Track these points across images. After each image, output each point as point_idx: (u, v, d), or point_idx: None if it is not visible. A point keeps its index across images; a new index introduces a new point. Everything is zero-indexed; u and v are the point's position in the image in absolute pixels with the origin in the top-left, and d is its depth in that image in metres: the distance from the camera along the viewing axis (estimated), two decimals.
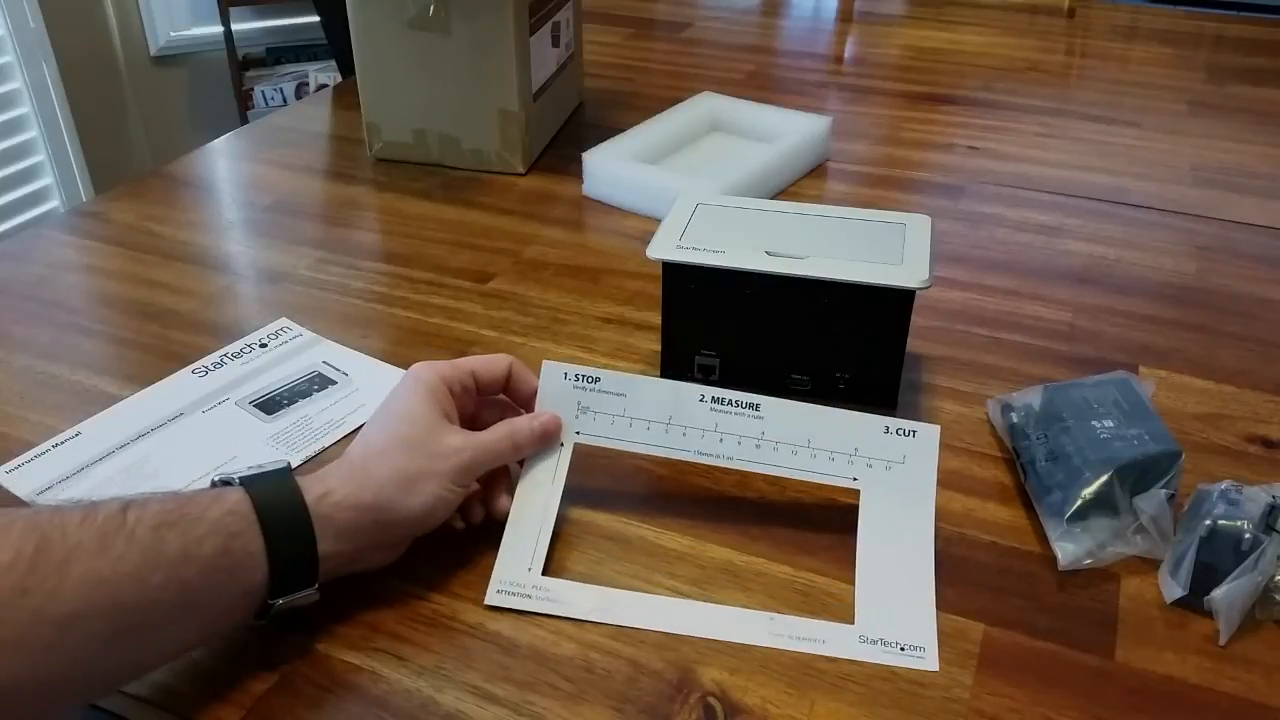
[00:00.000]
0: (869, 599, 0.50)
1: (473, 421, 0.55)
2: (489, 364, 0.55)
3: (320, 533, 0.45)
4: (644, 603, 0.51)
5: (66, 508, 0.41)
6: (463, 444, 0.50)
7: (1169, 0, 1.67)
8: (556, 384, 0.55)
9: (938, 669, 0.47)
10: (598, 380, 0.55)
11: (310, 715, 0.45)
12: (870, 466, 0.53)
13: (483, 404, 0.56)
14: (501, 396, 0.56)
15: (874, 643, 0.48)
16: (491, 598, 0.50)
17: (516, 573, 0.51)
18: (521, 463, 0.55)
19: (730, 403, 0.54)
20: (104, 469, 0.59)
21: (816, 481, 0.53)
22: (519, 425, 0.53)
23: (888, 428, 0.53)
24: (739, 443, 0.54)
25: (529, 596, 0.50)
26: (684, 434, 0.54)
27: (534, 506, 0.53)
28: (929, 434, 0.53)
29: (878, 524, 0.52)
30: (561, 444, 0.55)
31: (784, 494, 0.58)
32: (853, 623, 0.49)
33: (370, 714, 0.45)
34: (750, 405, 0.54)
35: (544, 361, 0.55)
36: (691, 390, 0.54)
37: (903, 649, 0.48)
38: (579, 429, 0.55)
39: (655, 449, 0.55)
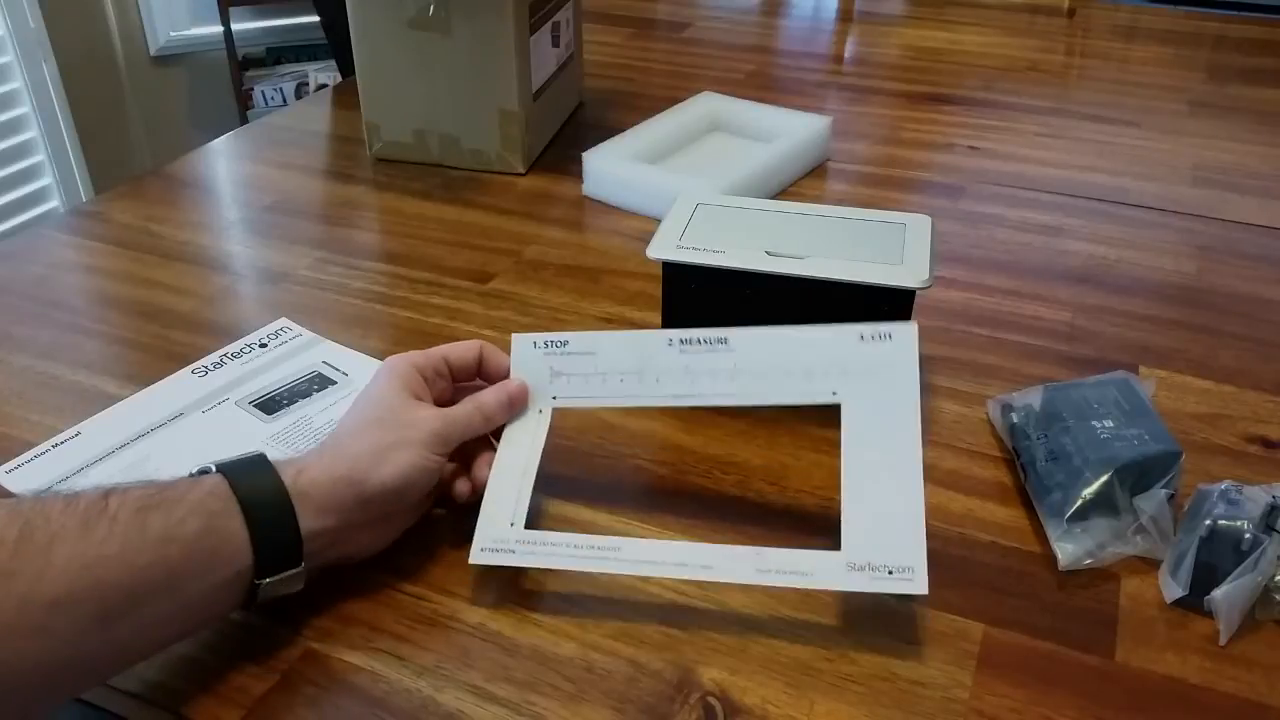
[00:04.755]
0: (856, 521, 0.48)
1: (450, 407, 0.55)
2: (461, 350, 0.56)
3: (300, 509, 0.46)
4: (632, 546, 0.50)
5: (48, 497, 0.42)
6: (432, 414, 0.51)
7: (1169, 0, 1.67)
8: (528, 354, 0.56)
9: (927, 592, 0.46)
10: (566, 343, 0.55)
11: (310, 715, 0.45)
12: (848, 375, 0.51)
13: (459, 390, 0.56)
14: (478, 381, 0.57)
15: (862, 569, 0.47)
16: (475, 556, 0.50)
17: (499, 529, 0.51)
18: (499, 435, 0.55)
19: (698, 341, 0.53)
20: (104, 469, 0.59)
21: (795, 403, 0.52)
22: (485, 395, 0.54)
23: (863, 335, 0.52)
24: (712, 378, 0.53)
25: (513, 551, 0.50)
26: (657, 380, 0.54)
27: (513, 469, 0.53)
28: (906, 332, 0.51)
29: (861, 436, 0.50)
30: (540, 410, 0.55)
31: (784, 494, 0.58)
32: (839, 549, 0.48)
33: (370, 714, 0.45)
34: (719, 340, 0.53)
35: (514, 335, 0.56)
36: (659, 336, 0.54)
37: (891, 572, 0.46)
38: (555, 393, 0.55)
39: (631, 400, 0.54)
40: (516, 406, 0.55)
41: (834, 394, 0.52)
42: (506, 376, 0.56)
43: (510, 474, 0.53)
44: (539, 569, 0.52)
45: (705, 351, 0.53)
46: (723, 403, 0.53)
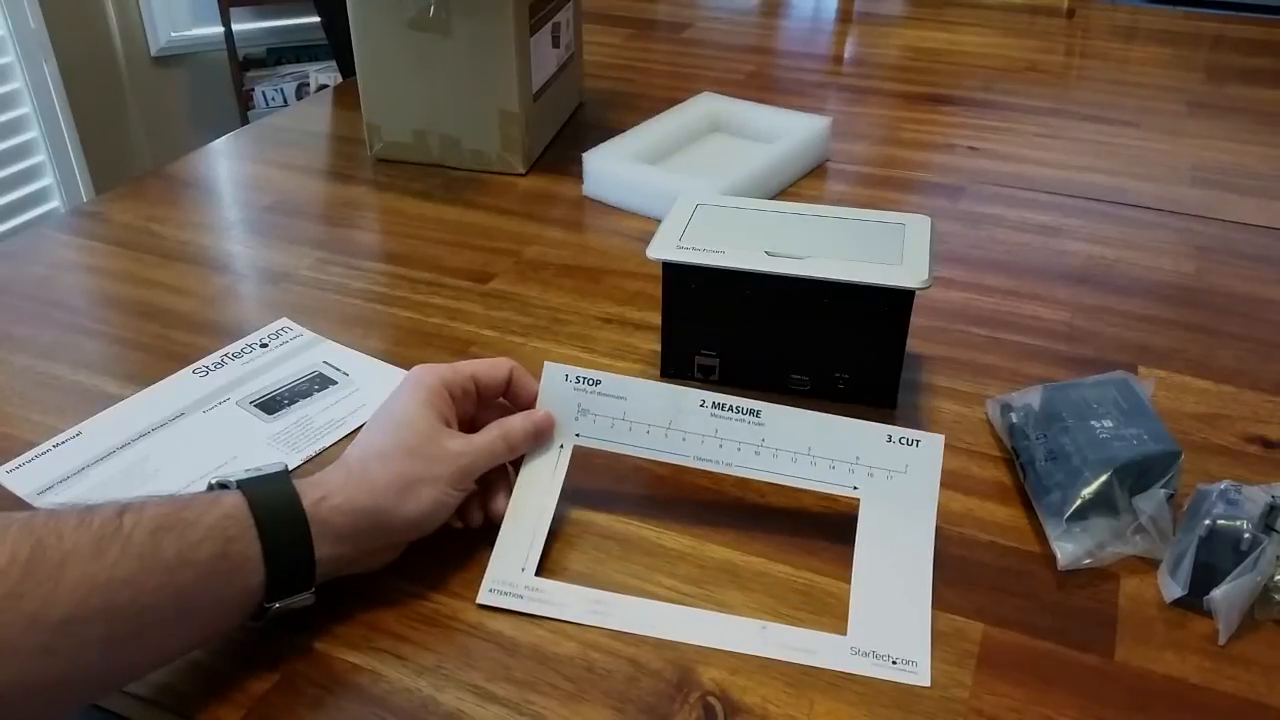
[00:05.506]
0: (863, 609, 0.50)
1: (472, 424, 0.55)
2: (490, 368, 0.54)
3: (317, 537, 0.45)
4: (636, 606, 0.50)
5: (62, 512, 0.41)
6: (461, 449, 0.50)
7: (1169, 0, 1.67)
8: (557, 385, 0.55)
9: (929, 684, 0.46)
10: (598, 383, 0.55)
11: (311, 715, 0.45)
12: (871, 475, 0.52)
13: (482, 407, 0.56)
14: (501, 400, 0.56)
15: (866, 655, 0.48)
16: (484, 597, 0.50)
17: (509, 572, 0.51)
18: (520, 464, 0.55)
19: (731, 409, 0.54)
20: (104, 469, 0.59)
21: (817, 489, 0.53)
22: (512, 424, 0.53)
23: (890, 436, 0.52)
24: (739, 449, 0.54)
25: (520, 597, 0.50)
26: (684, 439, 0.54)
27: (530, 507, 0.53)
28: (932, 443, 0.52)
29: (877, 533, 0.52)
30: (561, 445, 0.55)
31: (784, 495, 0.58)
32: (845, 632, 0.49)
33: (371, 713, 0.45)
34: (751, 411, 0.54)
35: (545, 363, 0.55)
36: (692, 395, 0.54)
37: (894, 662, 0.47)
38: (579, 431, 0.55)
39: (655, 453, 0.54)
40: (542, 439, 0.55)
41: (855, 489, 0.53)
42: (532, 402, 0.55)
43: (526, 513, 0.53)
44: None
45: (736, 420, 0.54)
46: (746, 475, 0.54)
